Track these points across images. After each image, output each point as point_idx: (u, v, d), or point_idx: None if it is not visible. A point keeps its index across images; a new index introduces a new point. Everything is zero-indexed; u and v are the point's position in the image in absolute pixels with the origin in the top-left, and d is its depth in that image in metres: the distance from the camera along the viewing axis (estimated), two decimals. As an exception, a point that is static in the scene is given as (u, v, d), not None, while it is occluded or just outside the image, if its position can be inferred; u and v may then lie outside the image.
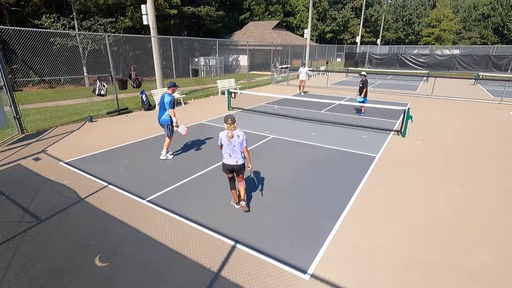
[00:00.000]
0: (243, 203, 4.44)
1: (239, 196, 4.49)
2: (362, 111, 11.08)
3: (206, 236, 3.91)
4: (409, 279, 3.22)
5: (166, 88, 6.53)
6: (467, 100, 14.71)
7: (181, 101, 13.00)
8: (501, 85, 17.72)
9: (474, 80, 20.67)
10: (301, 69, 16.02)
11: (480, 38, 52.62)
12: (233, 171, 4.30)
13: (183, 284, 3.12)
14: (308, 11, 31.08)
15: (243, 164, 4.27)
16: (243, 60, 29.07)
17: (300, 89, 16.40)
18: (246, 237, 3.87)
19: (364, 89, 10.20)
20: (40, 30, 10.07)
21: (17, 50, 12.33)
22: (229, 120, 4.11)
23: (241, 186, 4.41)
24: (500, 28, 50.73)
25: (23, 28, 9.27)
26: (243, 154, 4.23)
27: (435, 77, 17.26)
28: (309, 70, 24.51)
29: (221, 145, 4.26)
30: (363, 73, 10.54)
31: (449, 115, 11.32)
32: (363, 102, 10.44)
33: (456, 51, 33.95)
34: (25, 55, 12.78)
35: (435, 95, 15.52)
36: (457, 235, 4.01)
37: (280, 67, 26.60)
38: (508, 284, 3.18)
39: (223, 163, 4.31)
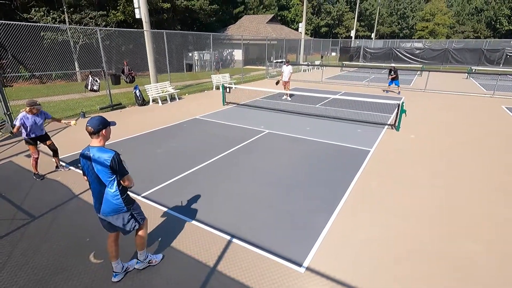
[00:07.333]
0: None
1: None
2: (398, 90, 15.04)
3: (201, 230, 3.91)
4: (403, 271, 3.28)
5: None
6: (460, 94, 14.85)
7: (176, 96, 12.89)
8: (493, 79, 17.91)
9: (467, 74, 20.84)
10: (284, 67, 12.69)
11: (473, 32, 52.97)
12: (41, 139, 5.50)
13: (179, 279, 3.13)
14: (302, 5, 30.84)
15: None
16: (238, 54, 28.88)
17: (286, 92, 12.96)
18: (242, 231, 3.89)
19: (395, 75, 14.32)
20: (29, 24, 9.83)
21: (6, 45, 12.06)
22: (27, 105, 5.12)
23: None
24: (493, 22, 51.09)
25: (11, 22, 9.05)
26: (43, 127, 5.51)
27: (429, 71, 17.34)
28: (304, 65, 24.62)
29: (24, 125, 5.10)
30: (393, 65, 15.61)
31: (443, 109, 11.42)
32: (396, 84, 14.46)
33: (449, 45, 34.12)
34: (14, 49, 12.50)
35: (428, 89, 15.64)
36: (451, 227, 4.08)
37: (275, 61, 26.53)
38: (496, 273, 3.26)
39: (32, 137, 5.31)
